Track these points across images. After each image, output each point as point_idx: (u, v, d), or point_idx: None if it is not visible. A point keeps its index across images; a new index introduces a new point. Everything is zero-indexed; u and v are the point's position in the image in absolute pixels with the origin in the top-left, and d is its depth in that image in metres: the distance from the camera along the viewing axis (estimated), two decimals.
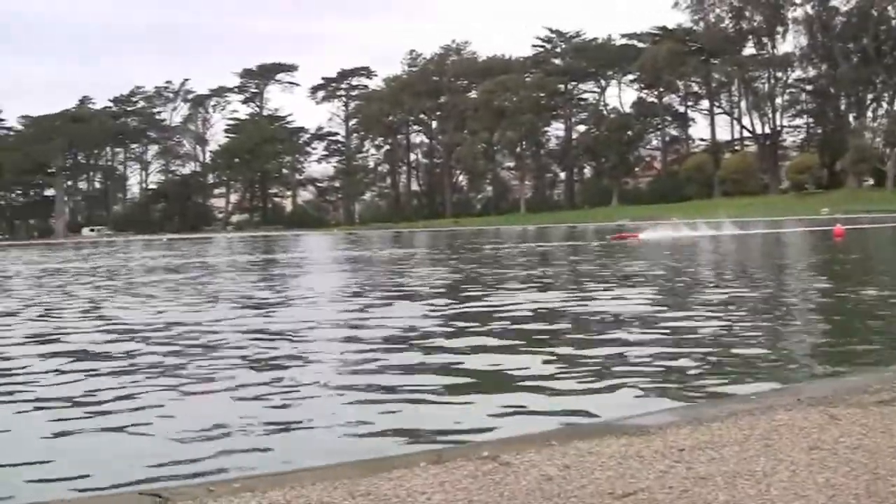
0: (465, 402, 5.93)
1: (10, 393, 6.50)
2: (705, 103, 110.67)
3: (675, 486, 3.50)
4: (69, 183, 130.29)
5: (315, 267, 26.50)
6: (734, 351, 7.47)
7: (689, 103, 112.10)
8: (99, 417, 5.68)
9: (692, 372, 6.71)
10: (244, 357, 7.79)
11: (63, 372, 7.35)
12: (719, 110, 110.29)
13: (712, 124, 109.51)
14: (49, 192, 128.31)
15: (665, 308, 11.08)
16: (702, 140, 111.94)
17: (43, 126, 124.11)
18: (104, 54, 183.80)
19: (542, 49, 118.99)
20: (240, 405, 5.89)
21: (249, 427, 5.31)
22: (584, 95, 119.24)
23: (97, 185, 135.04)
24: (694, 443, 4.20)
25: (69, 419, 5.64)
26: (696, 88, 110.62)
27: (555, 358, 7.38)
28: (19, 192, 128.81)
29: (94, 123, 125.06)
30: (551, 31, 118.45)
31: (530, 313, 10.69)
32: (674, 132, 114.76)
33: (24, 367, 7.65)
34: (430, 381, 6.58)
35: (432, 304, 12.42)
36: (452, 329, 9.51)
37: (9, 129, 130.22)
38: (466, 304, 12.27)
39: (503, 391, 6.22)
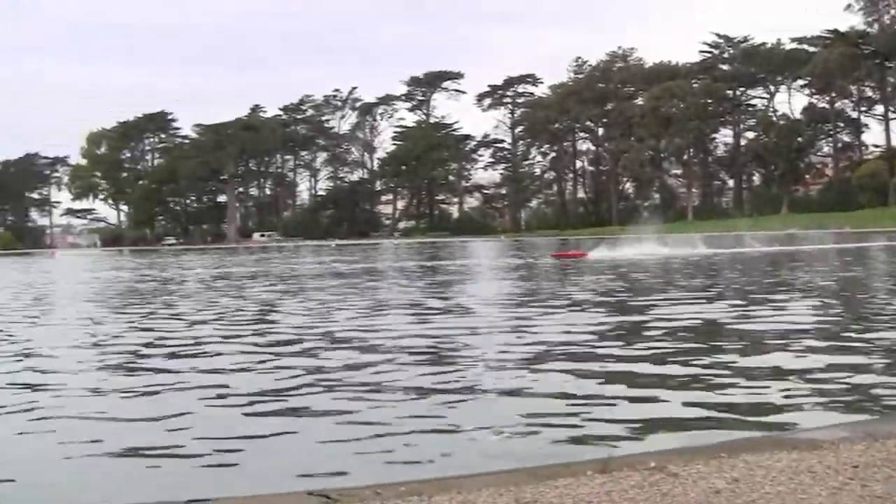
0: (628, 411, 6.81)
1: (198, 387, 8.28)
2: (880, 108, 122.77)
3: None
4: (241, 189, 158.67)
5: (482, 273, 30.08)
6: None
7: (863, 108, 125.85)
8: (263, 417, 7.01)
9: (865, 385, 7.43)
10: (411, 361, 9.56)
11: (235, 371, 9.29)
12: (895, 115, 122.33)
13: (887, 130, 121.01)
14: (222, 198, 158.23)
15: (837, 319, 12.61)
16: (876, 146, 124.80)
17: (216, 134, 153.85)
18: (274, 64, 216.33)
19: (709, 55, 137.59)
20: (403, 407, 7.14)
21: (413, 431, 6.35)
22: (753, 101, 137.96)
23: (268, 191, 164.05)
24: (869, 460, 4.48)
25: (244, 416, 7.06)
26: (869, 93, 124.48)
27: (720, 369, 8.46)
28: (193, 197, 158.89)
29: (264, 131, 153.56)
30: (719, 36, 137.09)
31: (696, 323, 12.34)
32: (846, 138, 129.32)
33: (212, 366, 9.69)
34: (591, 389, 7.64)
35: (596, 312, 14.28)
36: (616, 337, 11.31)
37: (184, 137, 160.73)
38: (631, 313, 14.16)
39: (666, 401, 7.13)
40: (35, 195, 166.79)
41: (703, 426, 6.22)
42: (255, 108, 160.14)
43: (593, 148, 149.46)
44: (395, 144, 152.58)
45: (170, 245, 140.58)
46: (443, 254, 46.45)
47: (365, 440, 6.08)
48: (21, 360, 10.57)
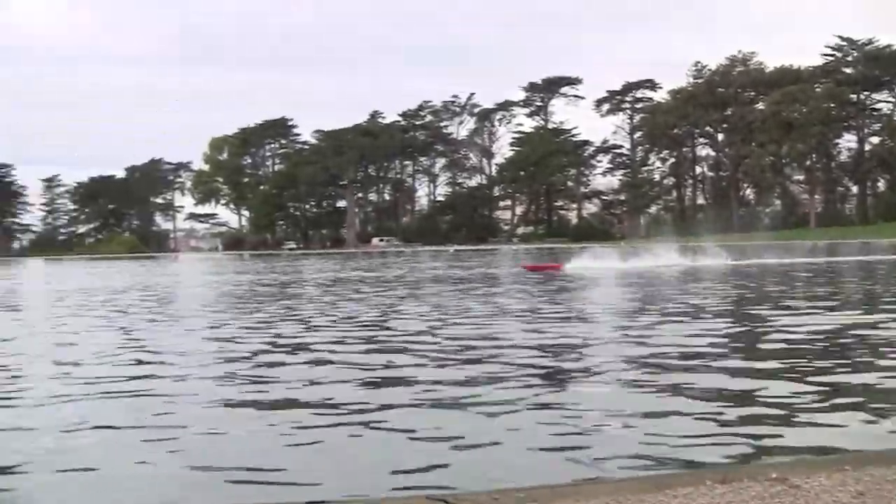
0: (751, 421, 7.15)
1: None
2: None
3: None
4: (360, 194, 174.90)
5: (600, 280, 31.12)
6: None
7: None
8: (366, 415, 7.68)
9: None
10: (527, 366, 10.24)
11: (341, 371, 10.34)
12: None
13: None
14: (341, 203, 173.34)
15: None
16: None
17: (336, 140, 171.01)
18: (394, 70, 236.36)
19: (832, 58, 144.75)
20: (517, 413, 7.64)
21: (529, 436, 6.81)
22: (878, 105, 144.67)
23: (386, 196, 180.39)
24: None
25: (350, 423, 7.44)
26: None
27: (844, 380, 8.86)
28: (313, 203, 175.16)
29: (383, 137, 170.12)
30: (842, 39, 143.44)
31: (816, 335, 12.70)
32: None
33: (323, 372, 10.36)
34: (710, 398, 8.12)
35: (714, 322, 15.02)
36: (737, 347, 12.08)
37: (304, 143, 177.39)
38: (748, 323, 14.96)
39: (785, 410, 7.49)
40: (159, 200, 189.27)
41: (821, 435, 6.59)
42: (375, 115, 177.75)
43: (713, 153, 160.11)
44: (513, 150, 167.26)
45: (290, 249, 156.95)
46: (560, 260, 47.11)
47: (481, 446, 6.57)
48: (136, 362, 11.69)
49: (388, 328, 15.21)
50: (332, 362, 11.09)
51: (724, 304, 19.20)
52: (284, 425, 7.34)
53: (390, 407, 7.99)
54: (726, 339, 12.85)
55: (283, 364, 11.09)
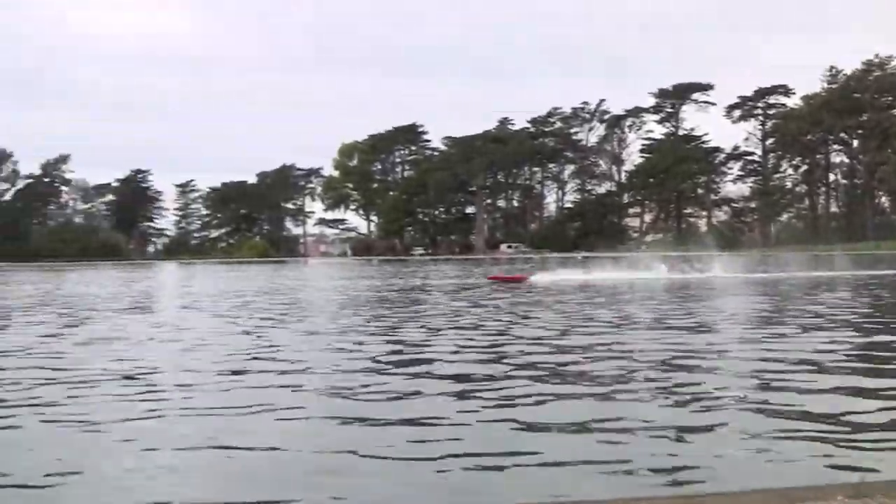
0: (884, 436, 7.46)
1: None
2: None
3: None
4: (489, 201, 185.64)
5: (729, 289, 31.93)
6: None
7: None
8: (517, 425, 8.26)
9: None
10: (658, 371, 11.21)
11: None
12: None
13: None
14: (470, 209, 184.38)
15: None
16: None
17: (465, 146, 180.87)
18: (522, 76, 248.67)
19: None
20: (649, 423, 8.11)
21: (660, 444, 7.36)
22: None
23: (515, 203, 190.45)
24: None
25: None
26: None
27: None
28: (442, 209, 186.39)
29: (512, 144, 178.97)
30: None
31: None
32: None
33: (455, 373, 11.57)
34: (843, 410, 8.48)
35: (839, 335, 15.38)
36: (869, 359, 12.52)
37: (433, 149, 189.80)
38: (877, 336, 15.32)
39: None
40: (290, 205, 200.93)
41: None
42: (504, 121, 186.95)
43: (847, 160, 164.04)
44: (643, 157, 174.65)
45: (419, 255, 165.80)
46: (688, 268, 47.09)
47: (611, 454, 7.03)
48: (269, 361, 13.08)
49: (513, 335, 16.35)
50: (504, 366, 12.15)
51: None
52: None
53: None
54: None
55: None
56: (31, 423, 8.83)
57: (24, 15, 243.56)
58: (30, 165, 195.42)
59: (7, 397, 10.29)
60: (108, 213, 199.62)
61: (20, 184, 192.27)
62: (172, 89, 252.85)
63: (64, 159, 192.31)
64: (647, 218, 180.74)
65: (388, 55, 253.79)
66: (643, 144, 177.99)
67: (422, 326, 18.49)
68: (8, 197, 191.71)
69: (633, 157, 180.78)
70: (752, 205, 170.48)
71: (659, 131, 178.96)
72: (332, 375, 11.59)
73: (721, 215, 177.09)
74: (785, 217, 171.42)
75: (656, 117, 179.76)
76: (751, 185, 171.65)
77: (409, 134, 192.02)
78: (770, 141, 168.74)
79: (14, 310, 27.22)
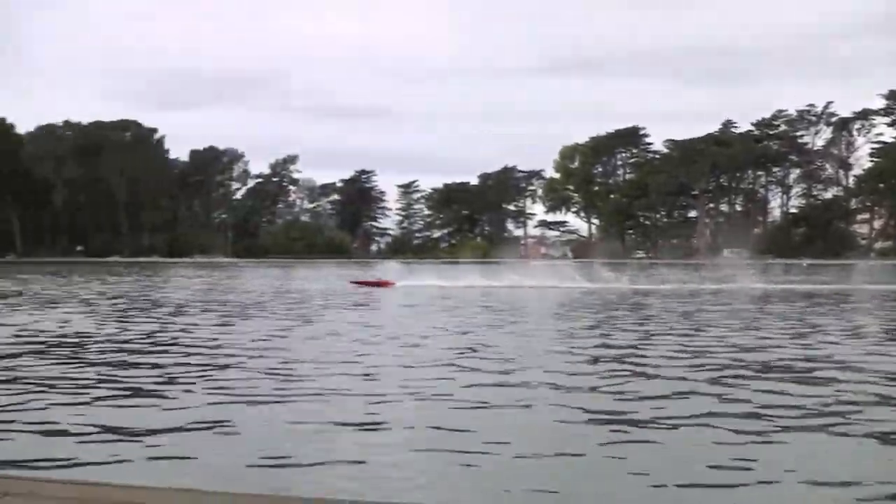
0: None
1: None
2: None
3: None
4: (711, 205, 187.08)
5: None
6: None
7: None
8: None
9: None
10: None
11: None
12: None
13: None
14: (691, 213, 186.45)
15: None
16: None
17: (687, 149, 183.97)
18: (746, 79, 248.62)
19: None
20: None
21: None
22: None
23: (737, 207, 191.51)
24: None
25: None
26: None
27: None
28: (663, 212, 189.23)
29: (736, 147, 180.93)
30: None
31: None
32: None
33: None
34: None
35: None
36: None
37: (655, 152, 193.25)
38: None
39: None
40: (511, 207, 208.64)
41: None
42: (727, 124, 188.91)
43: None
44: (872, 161, 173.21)
45: (639, 259, 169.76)
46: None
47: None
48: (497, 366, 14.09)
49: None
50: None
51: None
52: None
53: None
54: None
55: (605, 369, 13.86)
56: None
57: (259, 24, 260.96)
58: (259, 165, 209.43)
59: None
60: (333, 213, 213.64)
61: (250, 183, 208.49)
62: (395, 93, 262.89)
63: (292, 159, 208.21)
64: (877, 224, 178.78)
65: (611, 57, 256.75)
66: (872, 148, 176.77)
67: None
68: (239, 196, 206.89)
69: (861, 160, 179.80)
70: None
71: (889, 134, 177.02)
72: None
73: None
74: None
75: (887, 120, 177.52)
76: None
77: (631, 136, 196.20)
78: None
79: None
